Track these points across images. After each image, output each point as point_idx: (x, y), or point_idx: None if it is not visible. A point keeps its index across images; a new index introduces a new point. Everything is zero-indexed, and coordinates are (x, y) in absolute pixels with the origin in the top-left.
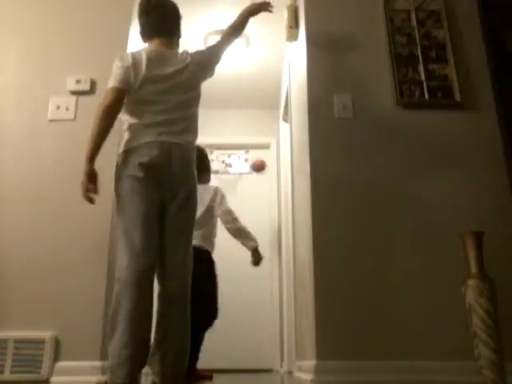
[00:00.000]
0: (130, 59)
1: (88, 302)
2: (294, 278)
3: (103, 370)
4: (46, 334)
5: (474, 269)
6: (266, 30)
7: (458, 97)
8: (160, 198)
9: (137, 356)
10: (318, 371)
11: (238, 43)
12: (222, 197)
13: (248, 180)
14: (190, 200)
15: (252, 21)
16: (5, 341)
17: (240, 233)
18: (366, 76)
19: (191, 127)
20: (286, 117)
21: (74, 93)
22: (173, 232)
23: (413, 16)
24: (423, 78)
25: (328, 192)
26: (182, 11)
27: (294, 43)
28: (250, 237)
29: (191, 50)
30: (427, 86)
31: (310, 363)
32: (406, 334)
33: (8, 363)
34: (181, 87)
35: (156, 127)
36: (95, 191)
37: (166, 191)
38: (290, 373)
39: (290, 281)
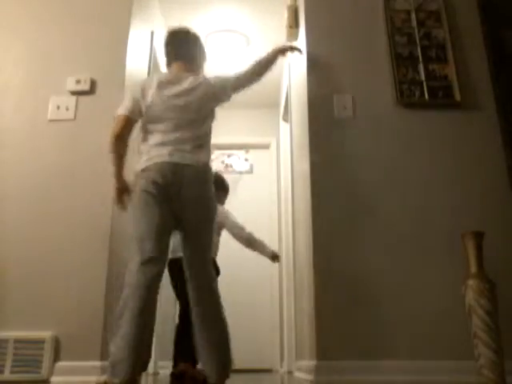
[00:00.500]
0: (139, 89)
1: (88, 302)
2: (294, 279)
3: (103, 370)
4: (45, 334)
5: (473, 269)
6: (266, 30)
7: (458, 97)
8: (174, 214)
9: (138, 356)
10: (318, 371)
11: (238, 42)
12: (231, 215)
13: (248, 180)
14: (207, 216)
15: (252, 20)
16: (5, 341)
17: (255, 244)
18: (366, 76)
19: (204, 145)
20: (286, 117)
21: (74, 93)
22: (191, 246)
23: (413, 16)
24: (423, 78)
25: (328, 192)
26: (183, 11)
27: (294, 43)
28: (264, 245)
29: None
30: (427, 86)
31: (310, 363)
32: (406, 334)
33: (8, 363)
34: (191, 106)
35: (168, 146)
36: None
37: (180, 208)
38: (290, 373)
39: (290, 281)
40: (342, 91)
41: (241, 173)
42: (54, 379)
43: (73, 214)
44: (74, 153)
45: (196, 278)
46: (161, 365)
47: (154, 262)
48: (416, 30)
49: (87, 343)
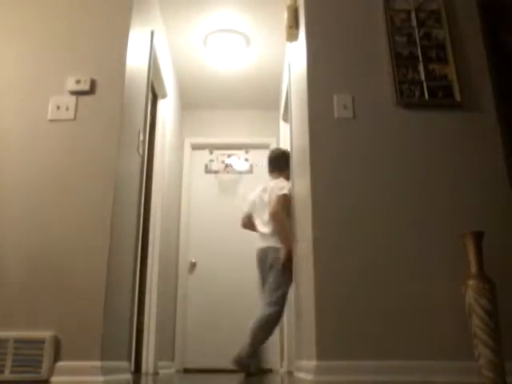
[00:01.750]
0: (251, 198)
1: (88, 302)
2: (294, 279)
3: (103, 370)
4: (46, 334)
5: (474, 269)
6: (266, 30)
7: (458, 97)
8: (263, 275)
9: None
10: (318, 371)
11: (238, 43)
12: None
13: (248, 180)
14: (272, 271)
15: (252, 20)
16: (5, 341)
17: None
18: (366, 76)
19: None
20: (286, 117)
21: (74, 93)
22: (267, 289)
23: (413, 16)
24: (423, 78)
25: (328, 192)
26: (183, 11)
27: (294, 43)
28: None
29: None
30: (427, 86)
31: (310, 363)
32: (406, 334)
33: (8, 363)
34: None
35: (261, 235)
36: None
37: (266, 270)
38: (290, 373)
39: None
40: (342, 91)
41: (241, 173)
42: (54, 379)
43: (73, 214)
44: (74, 153)
45: (261, 308)
46: (161, 365)
47: (260, 306)
48: (416, 30)
49: (87, 343)
